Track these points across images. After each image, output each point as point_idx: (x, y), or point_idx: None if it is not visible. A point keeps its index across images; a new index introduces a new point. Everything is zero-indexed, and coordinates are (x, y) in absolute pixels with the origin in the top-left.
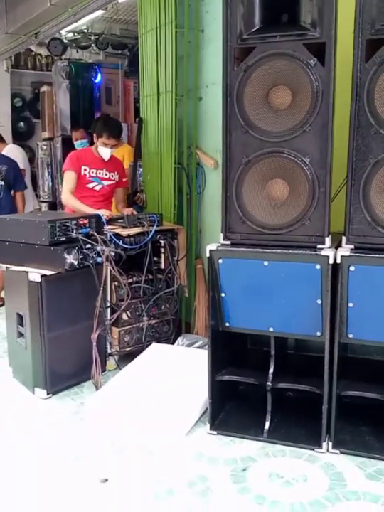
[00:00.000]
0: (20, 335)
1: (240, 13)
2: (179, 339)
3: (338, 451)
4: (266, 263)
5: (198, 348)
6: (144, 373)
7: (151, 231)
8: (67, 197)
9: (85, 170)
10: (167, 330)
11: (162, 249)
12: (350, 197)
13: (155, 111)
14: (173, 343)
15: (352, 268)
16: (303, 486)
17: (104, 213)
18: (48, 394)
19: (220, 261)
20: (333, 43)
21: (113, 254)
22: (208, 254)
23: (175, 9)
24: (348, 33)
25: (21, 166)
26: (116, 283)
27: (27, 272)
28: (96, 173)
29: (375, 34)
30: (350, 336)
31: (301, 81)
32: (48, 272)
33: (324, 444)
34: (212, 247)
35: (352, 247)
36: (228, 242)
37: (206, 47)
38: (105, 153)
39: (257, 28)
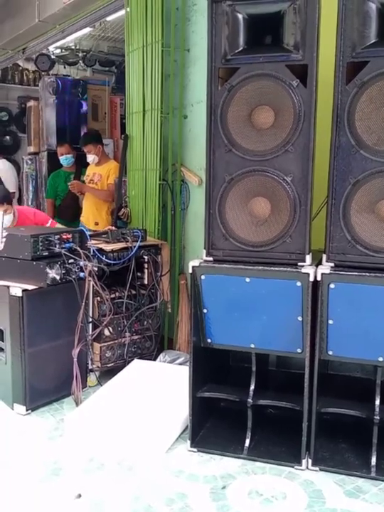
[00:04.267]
0: (0, 350)
1: (224, 34)
2: (161, 355)
3: (317, 469)
4: (248, 280)
5: (180, 364)
6: (125, 389)
7: (134, 246)
8: None
9: None
10: (149, 346)
11: (145, 265)
12: (331, 216)
13: (140, 128)
14: (155, 359)
15: (332, 285)
16: (282, 503)
17: None
18: (27, 410)
19: (203, 277)
20: (315, 65)
21: (96, 269)
22: (190, 270)
23: (161, 29)
24: (330, 55)
25: (12, 189)
26: (98, 298)
27: (8, 287)
28: None
29: (355, 57)
30: (330, 352)
31: (284, 101)
32: (30, 287)
33: (304, 462)
34: (195, 263)
35: (332, 264)
36: (211, 259)
37: (192, 66)
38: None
39: (241, 49)
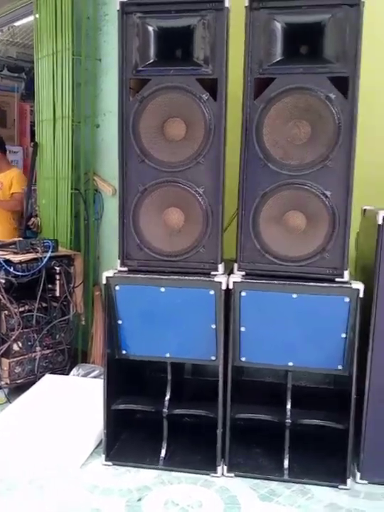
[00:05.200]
0: None
1: (135, 45)
2: (75, 369)
3: (232, 475)
4: (162, 289)
5: (95, 377)
6: (36, 406)
7: (45, 257)
8: None
9: None
10: (62, 360)
11: (57, 276)
12: (241, 226)
13: (51, 136)
14: (68, 374)
15: (243, 293)
16: (198, 511)
17: None
18: None
19: (117, 288)
20: (225, 80)
21: (3, 281)
22: (104, 281)
23: (72, 37)
24: (239, 70)
25: None
26: (6, 312)
27: None
28: None
29: (262, 73)
30: (243, 359)
31: (195, 114)
32: None
33: (219, 469)
34: (109, 273)
35: (243, 273)
36: (125, 269)
37: (104, 75)
38: None
39: (152, 61)
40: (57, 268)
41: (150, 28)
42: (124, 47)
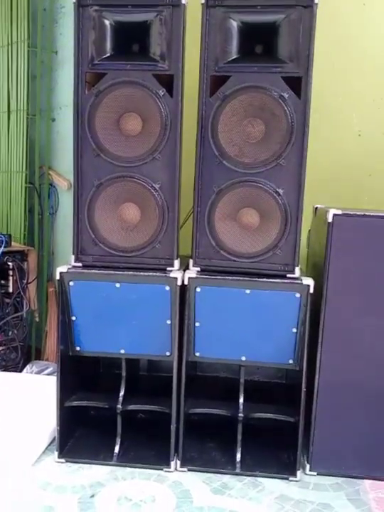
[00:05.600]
0: None
1: (91, 38)
2: (27, 366)
3: (186, 469)
4: (118, 285)
5: (48, 374)
6: None
7: None
8: None
9: None
10: (15, 357)
11: (10, 272)
12: (197, 223)
13: (5, 128)
14: (21, 371)
15: (198, 289)
16: (151, 506)
17: None
18: None
19: (71, 283)
20: (181, 76)
21: None
22: (58, 277)
23: (27, 28)
24: (196, 67)
25: None
26: None
27: None
28: None
29: (218, 71)
30: (198, 354)
31: (151, 110)
32: None
33: (173, 463)
34: (63, 269)
35: (198, 269)
36: (80, 264)
37: (60, 68)
38: None
39: (108, 55)
40: (10, 263)
41: (106, 22)
42: (80, 40)
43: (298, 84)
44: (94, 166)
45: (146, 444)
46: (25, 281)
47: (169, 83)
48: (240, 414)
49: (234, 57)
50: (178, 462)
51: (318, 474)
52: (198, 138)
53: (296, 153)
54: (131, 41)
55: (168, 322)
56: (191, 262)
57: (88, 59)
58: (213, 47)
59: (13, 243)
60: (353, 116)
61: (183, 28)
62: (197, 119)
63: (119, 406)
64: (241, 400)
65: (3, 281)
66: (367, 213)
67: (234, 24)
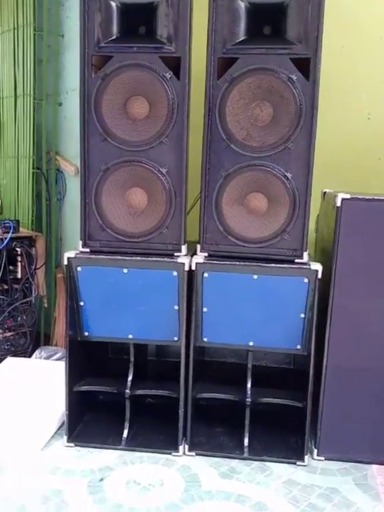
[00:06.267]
0: None
1: (97, 21)
2: (37, 352)
3: (194, 454)
4: (125, 270)
5: (58, 360)
6: None
7: (5, 238)
8: None
9: None
10: (24, 343)
11: (19, 258)
12: (204, 208)
13: (12, 113)
14: (30, 357)
15: (206, 274)
16: (159, 490)
17: None
18: None
19: (79, 269)
20: (188, 58)
21: None
22: (66, 262)
23: (33, 11)
24: (204, 49)
25: None
26: None
27: None
28: None
29: (226, 53)
30: (205, 339)
31: (158, 93)
32: None
33: (181, 448)
34: (71, 254)
35: (206, 254)
36: (87, 250)
37: (66, 52)
38: None
39: (114, 37)
40: (19, 249)
41: (113, 4)
42: (86, 22)
43: (306, 66)
44: (101, 150)
45: (155, 428)
46: (33, 267)
47: (176, 66)
48: (248, 399)
49: (242, 38)
50: (187, 446)
51: (325, 459)
52: (205, 121)
53: (304, 136)
54: (138, 23)
55: (176, 307)
56: (199, 247)
57: (94, 42)
58: (221, 28)
59: (21, 229)
60: (362, 98)
61: (190, 9)
62: (204, 102)
63: (128, 391)
64: (249, 385)
65: (11, 267)
66: (375, 197)
67: (242, 5)
